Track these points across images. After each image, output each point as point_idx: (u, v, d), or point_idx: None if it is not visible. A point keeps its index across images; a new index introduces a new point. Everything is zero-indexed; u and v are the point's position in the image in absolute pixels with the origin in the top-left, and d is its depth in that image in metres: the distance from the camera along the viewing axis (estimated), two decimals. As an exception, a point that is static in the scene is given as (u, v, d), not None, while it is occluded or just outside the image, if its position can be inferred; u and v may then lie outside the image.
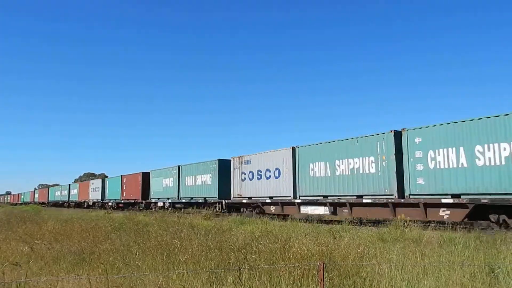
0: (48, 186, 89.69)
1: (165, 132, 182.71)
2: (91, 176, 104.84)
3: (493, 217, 13.33)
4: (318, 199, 19.17)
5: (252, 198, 23.32)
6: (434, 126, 14.89)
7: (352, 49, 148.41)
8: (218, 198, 26.16)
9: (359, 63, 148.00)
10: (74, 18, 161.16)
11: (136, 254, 8.20)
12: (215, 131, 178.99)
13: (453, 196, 13.89)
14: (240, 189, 24.47)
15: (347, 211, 17.75)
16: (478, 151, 13.35)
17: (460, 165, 13.80)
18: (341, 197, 18.09)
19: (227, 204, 25.50)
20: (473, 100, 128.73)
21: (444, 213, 14.44)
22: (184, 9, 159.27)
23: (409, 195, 15.33)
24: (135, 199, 38.07)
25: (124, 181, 40.69)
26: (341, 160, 18.20)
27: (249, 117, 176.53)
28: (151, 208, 34.23)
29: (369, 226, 15.48)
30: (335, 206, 18.43)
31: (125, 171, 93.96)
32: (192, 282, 6.07)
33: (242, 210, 24.69)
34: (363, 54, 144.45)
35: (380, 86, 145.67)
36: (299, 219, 17.97)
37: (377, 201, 16.29)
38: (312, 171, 19.61)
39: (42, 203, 68.60)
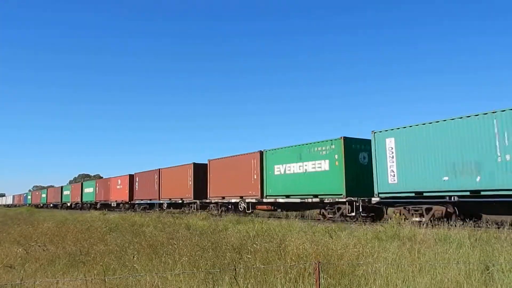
0: (42, 188, 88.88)
1: (159, 133, 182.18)
2: (85, 177, 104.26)
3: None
4: None
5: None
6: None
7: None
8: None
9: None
10: (61, 25, 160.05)
11: (133, 257, 8.16)
12: (206, 135, 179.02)
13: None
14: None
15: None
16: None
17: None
18: None
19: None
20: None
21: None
22: (177, 18, 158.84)
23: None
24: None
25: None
26: None
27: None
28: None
29: (365, 224, 15.52)
30: None
31: (122, 171, 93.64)
32: (188, 283, 6.05)
33: None
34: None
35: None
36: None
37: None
38: None
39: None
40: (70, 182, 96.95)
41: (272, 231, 12.26)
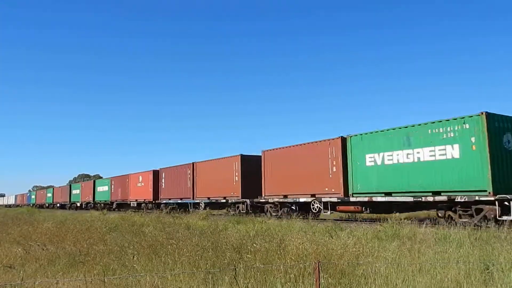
0: (42, 188, 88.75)
1: (159, 133, 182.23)
2: (85, 177, 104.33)
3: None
4: None
5: None
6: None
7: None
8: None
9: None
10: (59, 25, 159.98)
11: (133, 257, 8.16)
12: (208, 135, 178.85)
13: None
14: None
15: None
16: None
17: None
18: None
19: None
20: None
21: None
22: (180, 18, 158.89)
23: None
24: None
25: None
26: None
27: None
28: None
29: (364, 224, 15.52)
30: None
31: (122, 171, 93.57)
32: (188, 282, 6.06)
33: None
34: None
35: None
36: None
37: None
38: None
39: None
40: (70, 182, 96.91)
41: (272, 231, 12.27)
